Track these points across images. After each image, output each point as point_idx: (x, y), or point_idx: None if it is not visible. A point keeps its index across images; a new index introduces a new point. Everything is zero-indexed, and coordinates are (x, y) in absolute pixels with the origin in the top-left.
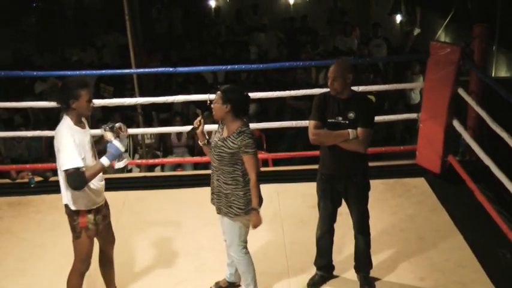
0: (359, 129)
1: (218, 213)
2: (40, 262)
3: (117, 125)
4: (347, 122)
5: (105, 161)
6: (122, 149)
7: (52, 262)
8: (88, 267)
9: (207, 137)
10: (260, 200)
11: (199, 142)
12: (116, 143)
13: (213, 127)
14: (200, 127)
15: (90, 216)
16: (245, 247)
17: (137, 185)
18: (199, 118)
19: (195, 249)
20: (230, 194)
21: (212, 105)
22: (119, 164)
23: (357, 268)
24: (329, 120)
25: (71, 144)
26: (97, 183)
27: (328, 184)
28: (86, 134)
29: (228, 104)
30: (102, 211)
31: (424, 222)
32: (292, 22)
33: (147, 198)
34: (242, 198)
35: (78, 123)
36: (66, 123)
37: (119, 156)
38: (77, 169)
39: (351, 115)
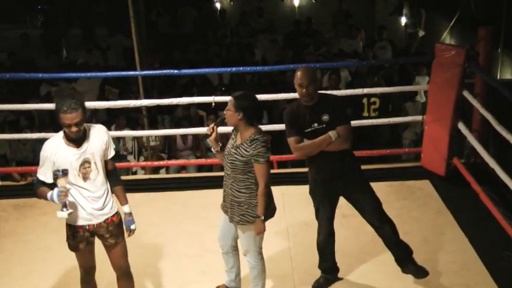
0: (338, 128)
1: (230, 221)
2: (45, 264)
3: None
4: (324, 125)
5: (49, 195)
6: (56, 201)
7: (57, 264)
8: (87, 276)
9: (220, 143)
10: (273, 209)
11: (212, 149)
12: (55, 193)
13: (227, 129)
14: (213, 134)
15: (68, 230)
16: (261, 253)
17: (142, 187)
18: (212, 125)
19: (200, 251)
20: (243, 203)
21: (225, 112)
22: (58, 213)
23: (399, 261)
24: (306, 130)
25: (41, 157)
26: (86, 206)
27: (325, 187)
28: (74, 155)
29: (241, 111)
30: (85, 234)
31: (428, 225)
32: (294, 25)
33: (152, 200)
34: (255, 206)
35: (69, 141)
36: (55, 136)
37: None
38: (38, 180)
39: (325, 118)
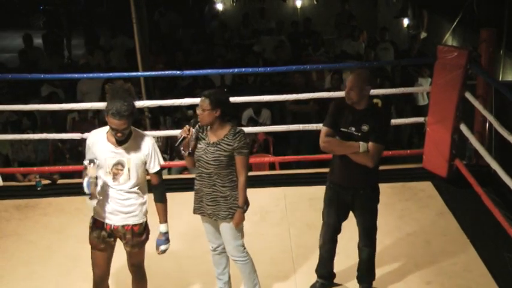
0: (370, 143)
1: (215, 219)
2: (47, 265)
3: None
4: (359, 134)
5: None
6: (87, 191)
7: (59, 265)
8: (98, 278)
9: (191, 147)
10: (247, 204)
11: (183, 152)
12: (85, 182)
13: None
14: (189, 136)
15: (90, 221)
16: (245, 247)
17: None
18: (187, 127)
19: (201, 252)
20: (229, 196)
21: (199, 113)
22: (88, 202)
23: (359, 279)
24: (342, 129)
25: (86, 145)
26: (108, 205)
27: (336, 194)
28: (110, 152)
29: (218, 108)
30: (102, 232)
31: (430, 226)
32: (291, 26)
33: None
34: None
35: (112, 137)
36: (102, 128)
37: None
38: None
39: (365, 128)
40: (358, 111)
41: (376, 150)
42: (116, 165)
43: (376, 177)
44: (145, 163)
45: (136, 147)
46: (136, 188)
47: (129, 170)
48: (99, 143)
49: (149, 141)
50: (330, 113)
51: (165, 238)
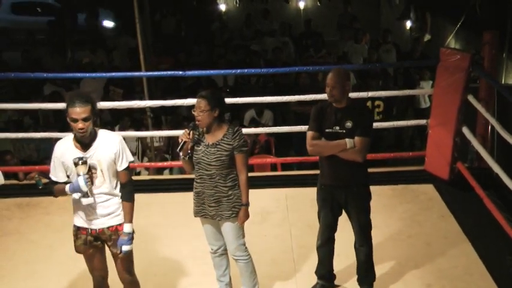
0: (356, 138)
1: (219, 220)
2: (48, 264)
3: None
4: (344, 131)
5: (67, 188)
6: (84, 188)
7: (60, 264)
8: (96, 282)
9: (189, 150)
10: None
11: (182, 155)
12: (81, 180)
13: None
14: (189, 140)
15: (73, 231)
16: (246, 246)
17: (145, 188)
18: (187, 131)
19: (203, 252)
20: (232, 195)
21: (197, 114)
22: (84, 200)
23: (359, 281)
24: (327, 130)
25: (52, 157)
26: (89, 210)
27: (329, 194)
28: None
29: (217, 108)
30: (88, 237)
31: (432, 229)
32: (280, 27)
33: (155, 201)
34: (240, 196)
35: (78, 142)
36: (66, 137)
37: (82, 192)
38: (51, 180)
39: (348, 124)
40: (340, 109)
41: (363, 144)
42: (89, 170)
43: (366, 173)
44: (114, 161)
45: (104, 147)
46: (114, 187)
47: (102, 172)
48: (67, 152)
49: (116, 139)
50: (312, 117)
51: (128, 238)
